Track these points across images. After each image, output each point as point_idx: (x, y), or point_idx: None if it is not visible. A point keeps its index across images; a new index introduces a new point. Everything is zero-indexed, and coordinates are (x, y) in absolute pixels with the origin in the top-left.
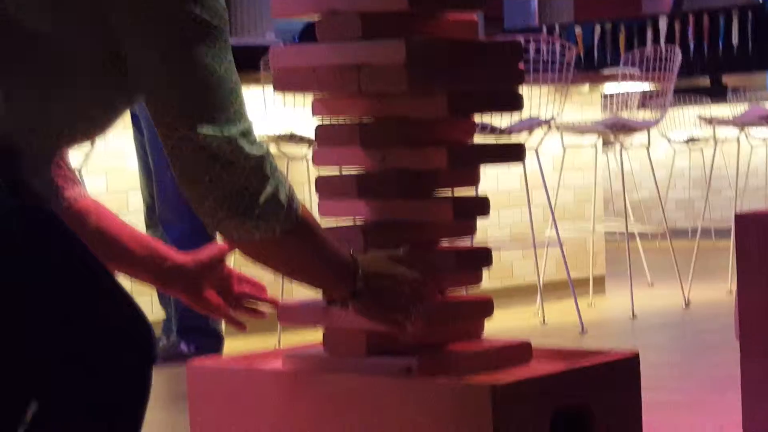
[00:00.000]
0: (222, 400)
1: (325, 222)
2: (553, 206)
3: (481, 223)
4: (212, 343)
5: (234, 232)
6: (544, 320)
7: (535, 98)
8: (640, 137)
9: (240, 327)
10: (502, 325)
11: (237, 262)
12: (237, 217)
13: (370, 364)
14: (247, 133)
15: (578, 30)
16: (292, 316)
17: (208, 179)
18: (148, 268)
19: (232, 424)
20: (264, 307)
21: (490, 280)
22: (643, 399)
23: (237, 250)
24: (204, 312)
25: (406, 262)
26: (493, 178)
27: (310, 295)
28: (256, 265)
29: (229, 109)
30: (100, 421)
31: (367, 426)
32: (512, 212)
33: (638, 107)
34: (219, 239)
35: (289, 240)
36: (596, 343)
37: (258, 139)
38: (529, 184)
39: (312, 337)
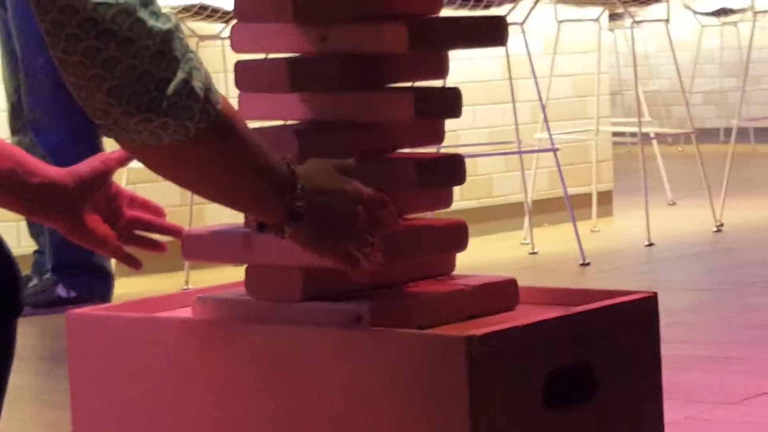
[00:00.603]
0: (113, 359)
1: (248, 124)
2: (544, 101)
3: (450, 124)
4: (99, 285)
5: (134, 134)
6: (533, 250)
7: None
8: (656, 9)
9: (133, 264)
10: (480, 257)
11: (129, 180)
12: (139, 114)
13: (308, 311)
14: (149, 2)
15: None
16: (201, 249)
17: (99, 63)
18: (11, 187)
19: (126, 390)
20: (163, 238)
21: (463, 198)
22: (662, 354)
23: (136, 159)
24: (86, 245)
25: (357, 175)
26: (466, 66)
27: (226, 221)
28: (158, 180)
29: None
30: None
31: (302, 391)
32: (491, 110)
33: None
34: (105, 149)
35: (206, 143)
36: (601, 280)
37: (162, 10)
38: (514, 72)
39: (230, 275)
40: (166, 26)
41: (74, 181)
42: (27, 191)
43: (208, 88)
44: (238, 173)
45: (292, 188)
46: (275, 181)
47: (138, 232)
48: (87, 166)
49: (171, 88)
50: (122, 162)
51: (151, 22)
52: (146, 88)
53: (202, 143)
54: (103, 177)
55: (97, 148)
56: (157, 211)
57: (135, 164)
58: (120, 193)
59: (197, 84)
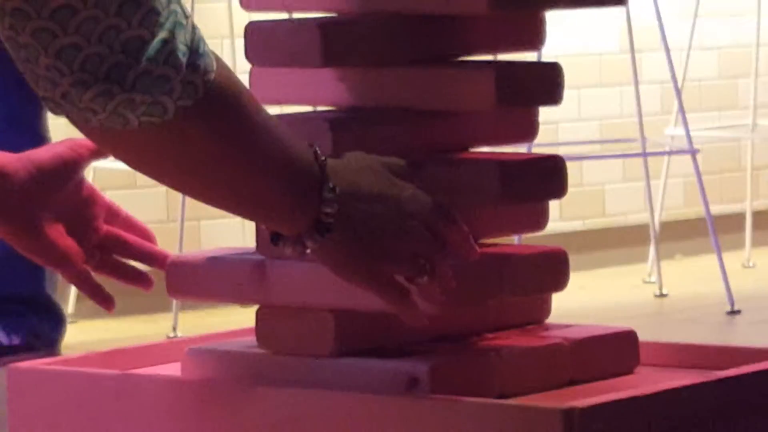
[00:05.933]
0: (71, 430)
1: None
2: (679, 84)
3: (546, 114)
4: (48, 329)
5: (91, 113)
6: (661, 291)
7: None
8: None
9: (103, 301)
10: (587, 300)
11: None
12: (97, 85)
13: (343, 370)
14: None
15: None
16: (194, 282)
17: (48, 14)
18: None
19: None
20: (147, 269)
21: (563, 218)
22: None
23: (96, 144)
24: (41, 261)
25: (411, 178)
26: (571, 33)
27: (229, 243)
28: (135, 186)
29: None
30: None
31: None
32: (604, 94)
33: None
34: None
35: (192, 127)
36: (757, 334)
37: None
38: (637, 43)
39: (234, 319)
40: None
41: (28, 172)
42: None
43: (196, 51)
44: (238, 168)
45: (319, 188)
46: (295, 177)
47: (116, 257)
48: (48, 152)
49: (145, 51)
50: (98, 152)
51: None
52: (110, 48)
53: (185, 128)
54: (70, 170)
55: (38, 133)
56: (145, 234)
57: (104, 163)
58: (95, 199)
59: (180, 46)
